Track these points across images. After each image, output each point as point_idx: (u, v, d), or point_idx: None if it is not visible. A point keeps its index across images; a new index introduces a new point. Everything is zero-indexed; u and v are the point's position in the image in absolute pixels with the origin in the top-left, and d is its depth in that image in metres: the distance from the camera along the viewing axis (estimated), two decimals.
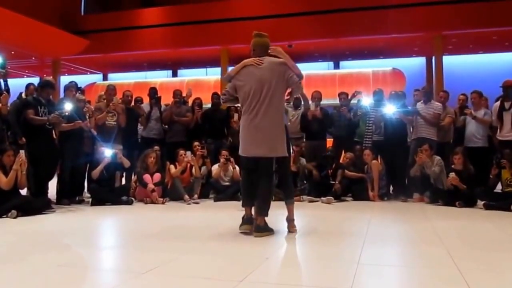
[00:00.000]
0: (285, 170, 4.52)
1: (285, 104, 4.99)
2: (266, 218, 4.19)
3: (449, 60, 14.94)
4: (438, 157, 6.76)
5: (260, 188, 4.21)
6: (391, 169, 7.21)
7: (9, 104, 6.50)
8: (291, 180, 4.58)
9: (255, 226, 4.15)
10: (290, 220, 4.42)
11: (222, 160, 7.18)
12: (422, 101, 7.37)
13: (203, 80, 16.61)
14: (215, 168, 7.30)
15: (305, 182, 7.44)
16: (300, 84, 4.26)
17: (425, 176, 6.78)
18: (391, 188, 7.40)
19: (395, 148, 7.14)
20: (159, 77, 18.12)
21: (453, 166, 6.53)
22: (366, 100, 7.98)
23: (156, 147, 7.29)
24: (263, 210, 4.17)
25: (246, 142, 4.23)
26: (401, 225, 5.06)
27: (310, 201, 6.83)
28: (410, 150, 7.21)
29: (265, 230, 4.15)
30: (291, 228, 4.36)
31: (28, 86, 7.39)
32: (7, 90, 6.57)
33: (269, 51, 4.27)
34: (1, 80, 6.56)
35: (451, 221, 5.21)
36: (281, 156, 4.26)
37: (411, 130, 7.37)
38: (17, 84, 8.06)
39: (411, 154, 7.09)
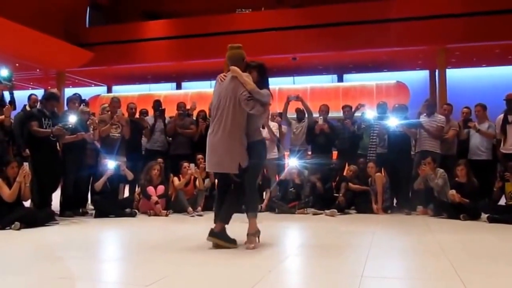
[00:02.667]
0: (246, 181, 4.22)
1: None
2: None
3: (452, 73, 15.00)
4: (441, 170, 6.76)
5: (226, 199, 4.31)
6: (395, 182, 7.21)
7: (12, 116, 6.54)
8: (253, 192, 4.31)
9: (210, 230, 4.19)
10: (248, 234, 4.22)
11: None
12: (425, 114, 7.39)
13: (207, 92, 16.65)
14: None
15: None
16: (248, 102, 4.10)
17: (428, 189, 6.77)
18: (395, 201, 7.41)
19: (399, 161, 7.15)
20: (163, 90, 18.22)
21: (456, 178, 6.54)
22: (369, 113, 8.01)
23: (160, 160, 7.32)
24: (223, 218, 4.21)
25: (206, 157, 4.37)
26: (405, 238, 5.05)
27: (314, 214, 6.85)
28: (414, 162, 7.21)
29: (219, 238, 4.15)
30: (248, 243, 4.16)
31: (30, 96, 7.48)
32: (11, 102, 6.60)
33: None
34: (8, 93, 6.61)
35: (455, 234, 5.21)
36: (228, 172, 4.25)
37: (414, 142, 7.38)
38: (22, 96, 8.11)
39: (415, 166, 7.10)
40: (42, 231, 5.26)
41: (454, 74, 15.28)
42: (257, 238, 4.23)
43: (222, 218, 4.21)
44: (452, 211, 6.36)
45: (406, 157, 7.28)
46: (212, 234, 4.15)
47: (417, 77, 16.63)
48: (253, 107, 4.12)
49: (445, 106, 7.88)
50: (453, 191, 6.32)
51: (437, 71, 14.85)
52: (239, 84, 4.17)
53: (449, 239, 4.84)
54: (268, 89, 4.31)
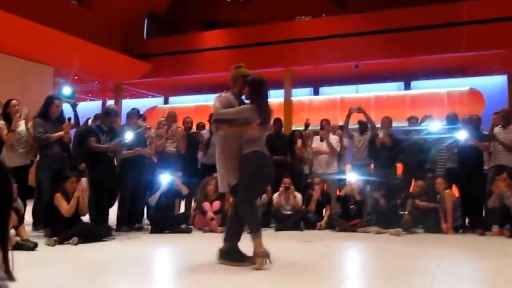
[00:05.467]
0: (236, 200, 4.48)
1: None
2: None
3: None
4: None
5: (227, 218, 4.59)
6: (467, 199, 7.02)
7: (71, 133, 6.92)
8: (245, 211, 4.34)
9: (218, 250, 4.45)
10: (253, 253, 4.28)
11: (281, 188, 7.27)
12: (500, 125, 7.15)
13: None
14: (275, 196, 7.39)
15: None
16: (212, 125, 4.57)
17: (505, 207, 6.52)
18: (467, 220, 7.18)
19: (471, 176, 6.97)
20: None
21: None
22: (436, 125, 7.84)
23: (216, 174, 7.44)
24: (225, 238, 4.47)
25: None
26: (477, 262, 4.91)
27: (377, 233, 6.76)
28: (488, 178, 6.98)
29: (223, 257, 4.38)
30: (251, 262, 4.23)
31: (95, 116, 7.90)
32: (74, 119, 6.93)
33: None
34: (71, 109, 6.98)
35: None
36: (222, 191, 4.69)
37: (488, 156, 7.14)
38: (81, 109, 8.52)
39: (489, 183, 6.87)
40: (99, 246, 5.52)
41: None
42: (264, 260, 4.19)
43: (225, 238, 4.47)
44: None
45: (479, 172, 7.07)
46: (219, 253, 4.42)
47: (493, 83, 15.96)
48: (216, 129, 4.47)
49: None
50: None
51: None
52: None
53: None
54: (261, 103, 4.43)
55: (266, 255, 4.21)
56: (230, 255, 4.38)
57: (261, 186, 4.64)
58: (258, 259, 4.17)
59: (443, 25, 13.42)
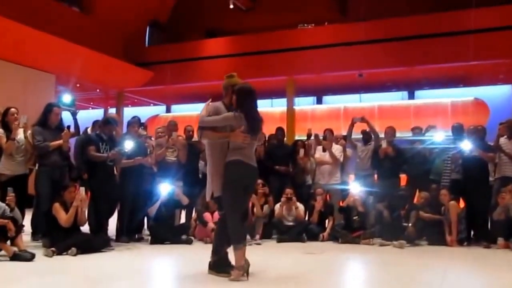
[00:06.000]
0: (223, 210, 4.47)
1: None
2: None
3: None
4: None
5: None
6: (472, 211, 6.97)
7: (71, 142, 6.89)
8: (230, 221, 4.31)
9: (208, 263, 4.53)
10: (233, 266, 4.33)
11: (283, 199, 7.23)
12: (506, 136, 7.11)
13: (268, 112, 16.80)
14: (277, 207, 7.35)
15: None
16: (198, 132, 4.47)
17: (510, 220, 6.48)
18: (472, 232, 7.13)
19: (476, 188, 6.93)
20: None
21: None
22: (439, 135, 7.81)
23: None
24: (213, 250, 4.52)
25: None
26: (482, 275, 4.87)
27: (381, 245, 6.73)
28: (493, 190, 6.95)
29: (211, 269, 4.47)
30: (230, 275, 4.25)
31: (94, 123, 7.88)
32: (73, 127, 6.90)
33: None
34: (71, 118, 6.96)
35: None
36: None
37: (493, 168, 7.11)
38: (82, 117, 8.49)
39: (494, 194, 6.83)
40: (97, 257, 5.48)
41: None
42: (241, 273, 4.20)
43: (213, 251, 4.51)
44: None
45: (484, 184, 7.04)
46: (208, 266, 4.49)
47: (498, 93, 15.93)
48: (200, 135, 4.47)
49: None
50: None
51: None
52: None
53: None
54: (248, 112, 4.41)
55: (244, 269, 4.24)
56: (218, 267, 4.41)
57: (241, 196, 4.40)
58: (236, 271, 4.21)
59: (447, 34, 13.41)
